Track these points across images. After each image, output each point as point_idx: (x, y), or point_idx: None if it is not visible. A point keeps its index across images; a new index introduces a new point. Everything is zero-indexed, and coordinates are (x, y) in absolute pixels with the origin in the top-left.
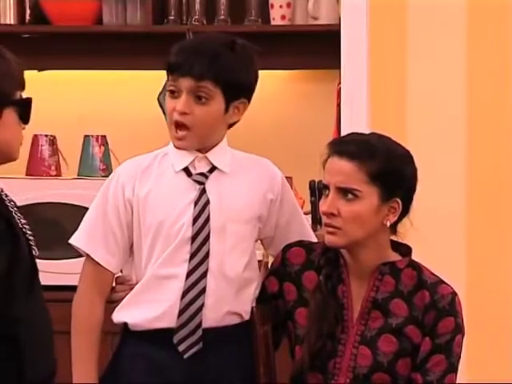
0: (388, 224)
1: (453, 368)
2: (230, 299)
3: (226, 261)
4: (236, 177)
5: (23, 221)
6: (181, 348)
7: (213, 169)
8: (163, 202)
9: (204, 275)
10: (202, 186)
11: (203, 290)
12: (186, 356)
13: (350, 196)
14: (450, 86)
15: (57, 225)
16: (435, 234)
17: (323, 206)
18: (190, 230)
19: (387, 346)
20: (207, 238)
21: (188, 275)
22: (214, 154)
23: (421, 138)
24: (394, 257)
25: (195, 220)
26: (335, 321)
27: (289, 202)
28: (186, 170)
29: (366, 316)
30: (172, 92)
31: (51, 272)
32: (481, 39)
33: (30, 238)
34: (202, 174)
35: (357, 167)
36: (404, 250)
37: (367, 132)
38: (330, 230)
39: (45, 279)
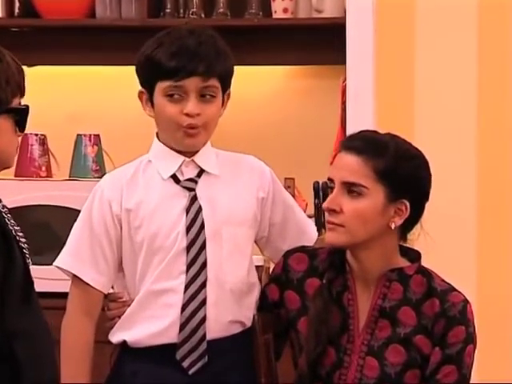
0: (393, 226)
1: (464, 380)
2: (232, 308)
3: (225, 267)
4: (225, 178)
5: (17, 228)
6: (185, 364)
7: (201, 172)
8: (154, 213)
9: (203, 285)
10: (192, 193)
11: (204, 302)
12: (190, 372)
13: (354, 194)
14: (459, 82)
15: (47, 228)
16: (444, 238)
17: (326, 202)
18: (185, 240)
19: (395, 356)
20: (203, 246)
21: (186, 287)
22: (201, 157)
23: (429, 137)
24: (403, 263)
25: (188, 229)
26: (339, 328)
27: (281, 198)
28: (174, 177)
29: (372, 325)
30: (171, 95)
31: (41, 278)
32: (492, 31)
33: (24, 246)
34: (190, 179)
35: (363, 162)
36: (413, 255)
37: (376, 131)
38: (331, 226)
39: (35, 286)
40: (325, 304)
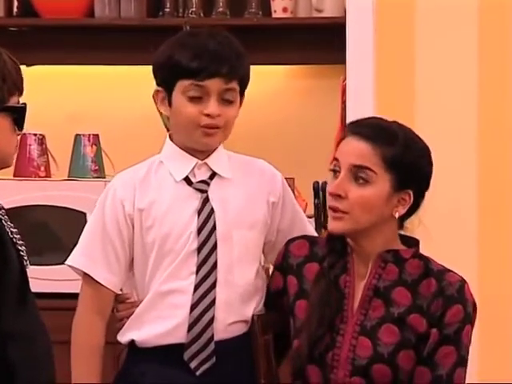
0: (397, 215)
1: (463, 361)
2: (239, 309)
3: (235, 270)
4: (237, 181)
5: (14, 230)
6: (192, 365)
7: (213, 175)
8: (166, 214)
9: (213, 287)
10: (205, 195)
11: (213, 303)
12: (198, 373)
13: (361, 181)
14: (460, 80)
15: (46, 228)
16: (446, 236)
17: (331, 186)
18: (196, 242)
19: (388, 336)
20: (214, 247)
21: (196, 288)
22: (214, 160)
23: (429, 136)
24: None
25: (200, 230)
26: (336, 310)
27: (290, 203)
28: (186, 179)
29: (366, 305)
30: (192, 95)
31: (40, 278)
32: (492, 31)
33: (21, 248)
34: (203, 181)
35: (372, 149)
36: (412, 242)
37: (382, 118)
38: (336, 215)
39: (33, 286)
40: (327, 286)
